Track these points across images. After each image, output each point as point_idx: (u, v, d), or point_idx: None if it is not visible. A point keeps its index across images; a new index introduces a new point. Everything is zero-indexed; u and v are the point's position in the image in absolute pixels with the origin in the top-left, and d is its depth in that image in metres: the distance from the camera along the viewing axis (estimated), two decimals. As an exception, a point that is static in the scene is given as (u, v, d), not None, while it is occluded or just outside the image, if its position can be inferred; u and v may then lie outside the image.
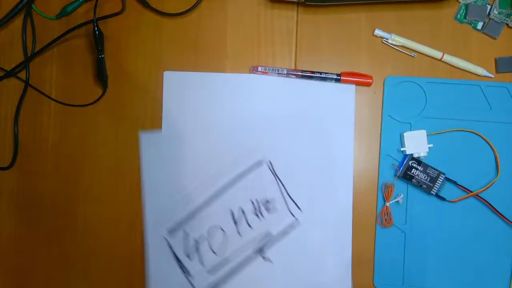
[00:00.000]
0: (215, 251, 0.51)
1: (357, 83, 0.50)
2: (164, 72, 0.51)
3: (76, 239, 0.52)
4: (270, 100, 0.51)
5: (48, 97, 0.52)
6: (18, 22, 0.53)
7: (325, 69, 0.51)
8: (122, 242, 0.52)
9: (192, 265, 0.51)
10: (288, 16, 0.52)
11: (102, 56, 0.51)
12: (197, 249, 0.51)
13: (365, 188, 0.51)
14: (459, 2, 0.51)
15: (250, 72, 0.51)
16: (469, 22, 0.51)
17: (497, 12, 0.50)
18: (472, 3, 0.50)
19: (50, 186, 0.52)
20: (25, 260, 0.52)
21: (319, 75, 0.50)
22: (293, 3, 0.51)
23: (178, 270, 0.51)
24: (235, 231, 0.51)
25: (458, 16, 0.51)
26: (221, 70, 0.52)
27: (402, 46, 0.51)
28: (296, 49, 0.52)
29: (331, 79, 0.50)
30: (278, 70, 0.50)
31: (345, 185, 0.50)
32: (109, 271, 0.52)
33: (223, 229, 0.51)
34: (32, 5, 0.52)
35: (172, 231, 0.51)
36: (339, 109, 0.51)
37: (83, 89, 0.52)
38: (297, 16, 0.52)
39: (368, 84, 0.50)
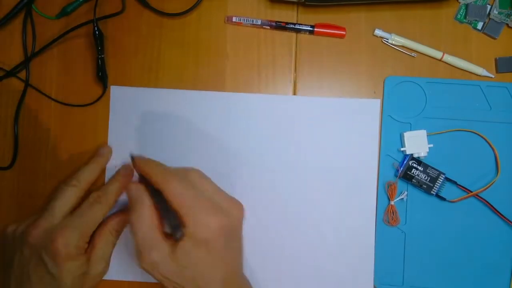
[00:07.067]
0: None
1: (330, 35, 0.51)
2: (111, 87, 0.51)
3: (76, 239, 0.52)
4: (295, 121, 0.51)
5: (48, 97, 0.52)
6: (18, 22, 0.53)
7: (326, 68, 0.51)
8: (122, 242, 0.51)
9: None
10: (288, 16, 0.52)
11: (102, 56, 0.51)
12: None
13: (365, 188, 0.50)
14: (459, 2, 0.51)
15: (225, 22, 0.51)
16: (469, 22, 0.51)
17: (497, 12, 0.50)
18: (472, 3, 0.50)
19: (50, 186, 0.52)
20: (25, 260, 0.52)
21: (293, 26, 0.50)
22: (293, 3, 0.51)
23: None
24: None
25: (458, 16, 0.51)
26: (221, 70, 0.52)
27: (402, 46, 0.51)
28: (296, 48, 0.52)
29: (305, 30, 0.50)
30: (253, 20, 0.51)
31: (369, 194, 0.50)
32: (109, 271, 0.52)
33: None
34: (32, 5, 0.52)
35: None
36: (364, 126, 0.50)
37: (83, 89, 0.52)
38: (297, 16, 0.52)
39: (341, 36, 0.50)
